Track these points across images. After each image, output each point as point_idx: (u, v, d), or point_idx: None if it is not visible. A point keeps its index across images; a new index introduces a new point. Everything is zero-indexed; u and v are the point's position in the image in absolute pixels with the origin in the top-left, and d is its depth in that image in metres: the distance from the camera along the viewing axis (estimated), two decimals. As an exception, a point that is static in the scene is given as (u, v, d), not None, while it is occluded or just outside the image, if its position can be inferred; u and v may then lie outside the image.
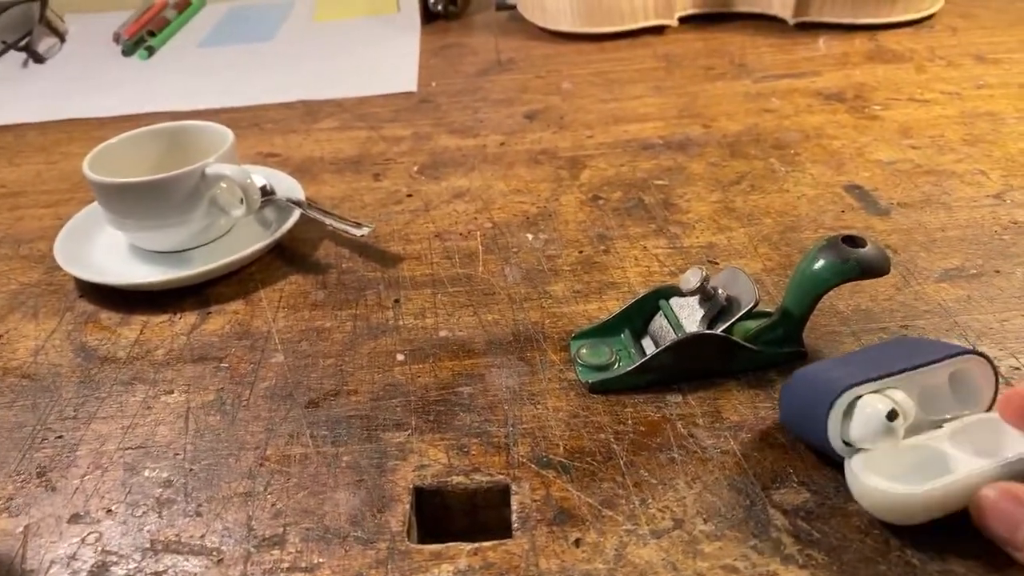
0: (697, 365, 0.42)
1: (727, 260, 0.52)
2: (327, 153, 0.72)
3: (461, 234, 0.57)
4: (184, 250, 0.56)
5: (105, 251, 0.57)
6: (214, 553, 0.35)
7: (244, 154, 0.72)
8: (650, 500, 0.36)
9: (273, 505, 0.37)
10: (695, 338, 0.41)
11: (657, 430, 0.39)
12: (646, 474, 0.37)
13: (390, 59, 0.94)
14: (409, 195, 0.63)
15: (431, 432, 0.40)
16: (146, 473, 0.39)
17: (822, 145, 0.66)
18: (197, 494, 0.38)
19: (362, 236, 0.54)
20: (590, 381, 0.42)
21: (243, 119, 0.80)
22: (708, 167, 0.64)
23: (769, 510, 0.35)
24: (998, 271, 0.49)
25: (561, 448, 0.39)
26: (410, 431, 0.41)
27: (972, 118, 0.69)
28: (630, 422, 0.40)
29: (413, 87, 0.85)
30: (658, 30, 0.95)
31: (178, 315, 0.51)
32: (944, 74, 0.78)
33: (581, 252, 0.54)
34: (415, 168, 0.68)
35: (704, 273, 0.42)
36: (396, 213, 0.61)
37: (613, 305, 0.48)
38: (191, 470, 0.39)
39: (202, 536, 0.36)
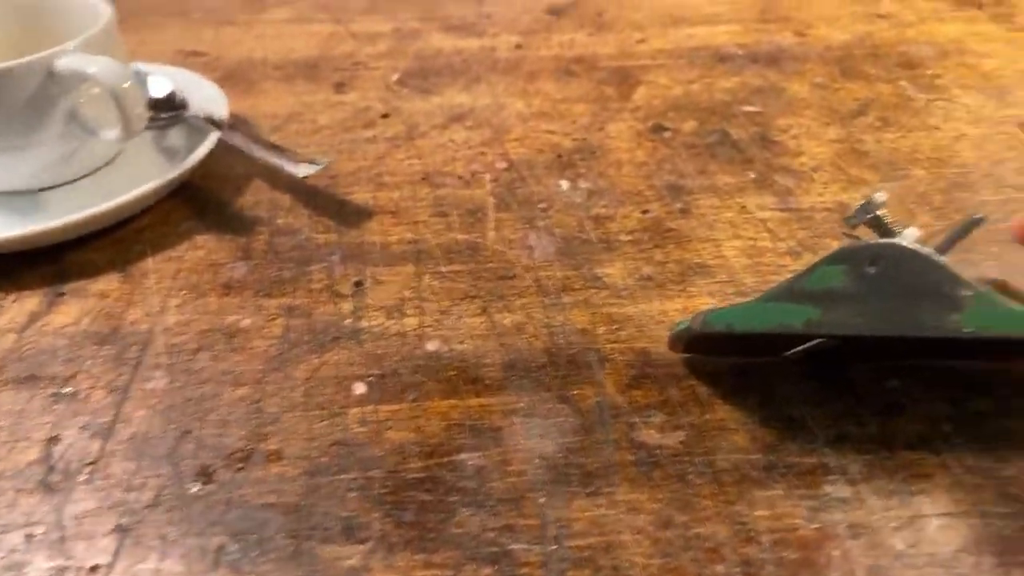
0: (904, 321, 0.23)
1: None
2: (273, 53, 0.51)
3: (461, 177, 0.38)
4: (36, 190, 0.37)
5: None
6: None
7: (158, 52, 0.52)
8: None
9: None
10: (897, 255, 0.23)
11: (818, 554, 0.22)
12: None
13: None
14: (385, 115, 0.44)
15: (406, 548, 0.23)
16: None
17: (968, 65, 0.47)
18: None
19: (307, 177, 0.35)
20: (699, 324, 0.26)
21: (165, 5, 0.59)
22: (814, 90, 0.45)
23: None
24: None
25: (646, 593, 0.21)
26: (371, 544, 0.23)
27: None
28: (765, 538, 0.22)
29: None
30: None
31: (11, 296, 0.32)
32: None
33: (646, 212, 0.36)
34: (395, 77, 0.48)
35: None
36: (365, 142, 0.42)
37: (704, 303, 0.30)
38: (-34, 613, 0.22)
39: None
